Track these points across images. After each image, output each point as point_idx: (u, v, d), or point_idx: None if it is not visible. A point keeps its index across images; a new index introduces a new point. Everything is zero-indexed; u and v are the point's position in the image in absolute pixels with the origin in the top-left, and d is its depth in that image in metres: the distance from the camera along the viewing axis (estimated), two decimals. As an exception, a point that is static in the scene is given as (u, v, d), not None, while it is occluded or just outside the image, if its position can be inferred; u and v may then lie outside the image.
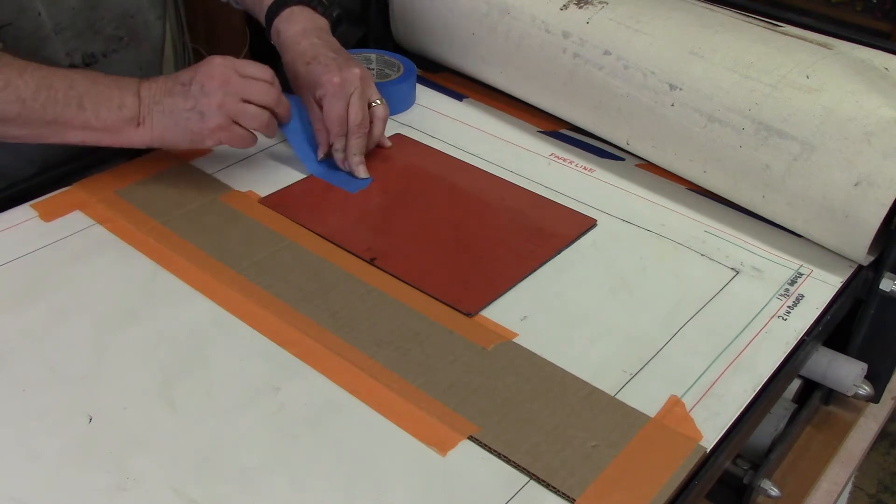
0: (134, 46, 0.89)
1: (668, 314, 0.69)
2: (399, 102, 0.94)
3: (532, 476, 0.55)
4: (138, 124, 0.73)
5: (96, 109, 0.72)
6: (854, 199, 0.70)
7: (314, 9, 0.86)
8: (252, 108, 0.74)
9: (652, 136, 0.83)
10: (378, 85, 0.89)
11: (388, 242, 0.75)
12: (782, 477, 0.73)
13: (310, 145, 0.84)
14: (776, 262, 0.75)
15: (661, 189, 0.84)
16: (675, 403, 0.61)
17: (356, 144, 0.81)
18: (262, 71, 0.76)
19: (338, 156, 0.82)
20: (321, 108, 0.81)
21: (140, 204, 0.76)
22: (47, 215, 0.75)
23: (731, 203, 0.82)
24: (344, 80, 0.80)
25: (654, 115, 0.81)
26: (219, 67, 0.73)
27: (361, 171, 0.82)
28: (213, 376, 0.61)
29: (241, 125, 0.74)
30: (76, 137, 0.73)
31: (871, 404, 0.81)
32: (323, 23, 0.86)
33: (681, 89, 0.79)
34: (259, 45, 1.98)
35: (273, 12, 0.86)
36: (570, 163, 0.88)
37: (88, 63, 0.85)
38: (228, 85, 0.73)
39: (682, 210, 0.82)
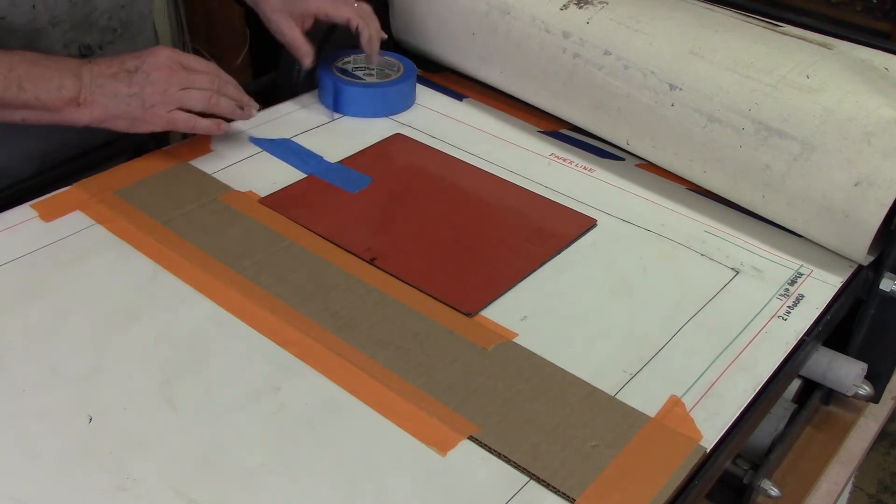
0: (128, 38, 0.89)
1: (668, 314, 0.69)
2: (399, 102, 0.94)
3: (532, 476, 0.55)
4: (79, 104, 0.75)
5: (36, 91, 0.73)
6: (854, 199, 0.70)
7: None
8: (194, 91, 0.77)
9: (652, 136, 0.83)
10: (378, 85, 0.90)
11: (388, 242, 0.75)
12: (782, 477, 0.73)
13: (297, 156, 0.84)
14: (776, 262, 0.75)
15: (661, 189, 0.84)
16: (675, 403, 0.61)
17: (377, 28, 0.91)
18: (206, 65, 0.80)
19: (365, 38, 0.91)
20: (300, 25, 0.89)
21: (140, 204, 0.76)
22: (47, 215, 0.75)
23: (731, 203, 0.82)
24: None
25: (654, 115, 0.81)
26: (165, 59, 0.77)
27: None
28: (213, 376, 0.61)
29: (184, 109, 0.78)
30: (18, 116, 0.75)
31: (871, 404, 0.81)
32: None
33: (681, 89, 0.79)
34: (259, 45, 1.98)
35: None
36: (570, 163, 0.88)
37: (85, 54, 0.85)
38: (173, 76, 0.76)
39: (682, 210, 0.82)
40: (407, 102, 0.96)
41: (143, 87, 0.76)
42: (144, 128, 0.78)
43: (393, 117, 0.93)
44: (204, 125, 0.80)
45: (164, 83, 0.76)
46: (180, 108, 0.78)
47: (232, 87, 0.81)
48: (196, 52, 2.01)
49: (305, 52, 0.90)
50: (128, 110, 0.76)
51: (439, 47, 1.00)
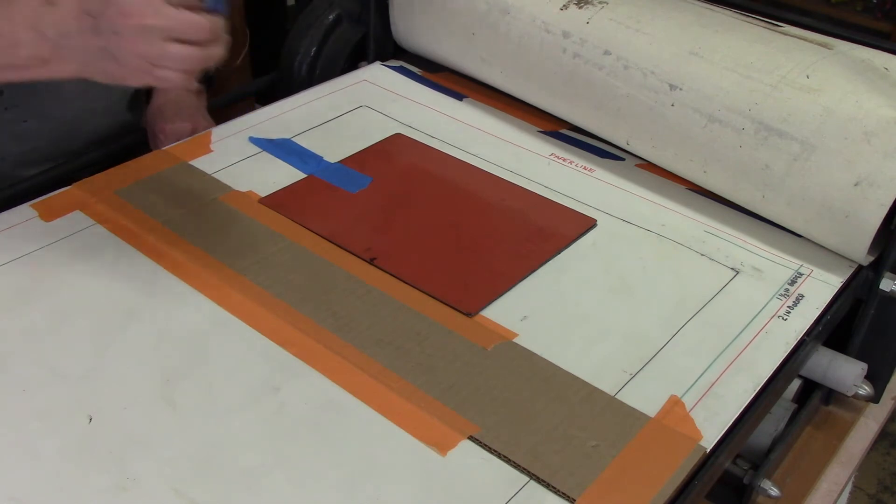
0: None
1: (668, 314, 0.69)
2: None
3: (532, 476, 0.55)
4: (45, 61, 0.62)
5: None
6: (854, 199, 0.70)
7: None
8: (177, 48, 0.60)
9: (652, 136, 0.83)
10: None
11: (388, 242, 0.75)
12: (782, 477, 0.73)
13: (297, 156, 0.84)
14: (776, 262, 0.75)
15: (661, 189, 0.84)
16: (675, 403, 0.61)
17: None
18: None
19: None
20: None
21: (140, 204, 0.76)
22: (47, 215, 0.75)
23: (731, 203, 0.82)
24: None
25: (654, 115, 0.81)
26: None
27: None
28: (213, 376, 0.61)
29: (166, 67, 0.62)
30: None
31: (871, 404, 0.81)
32: None
33: (681, 89, 0.79)
34: (259, 45, 1.98)
35: None
36: (570, 163, 0.88)
37: None
38: (145, 21, 0.59)
39: (682, 210, 0.82)
40: None
41: (110, 39, 0.60)
42: (127, 84, 0.64)
43: (393, 117, 0.93)
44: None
45: (133, 34, 0.59)
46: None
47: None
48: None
49: None
50: (104, 67, 0.61)
51: (439, 47, 1.00)
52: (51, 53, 0.61)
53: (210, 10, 0.61)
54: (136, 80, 0.62)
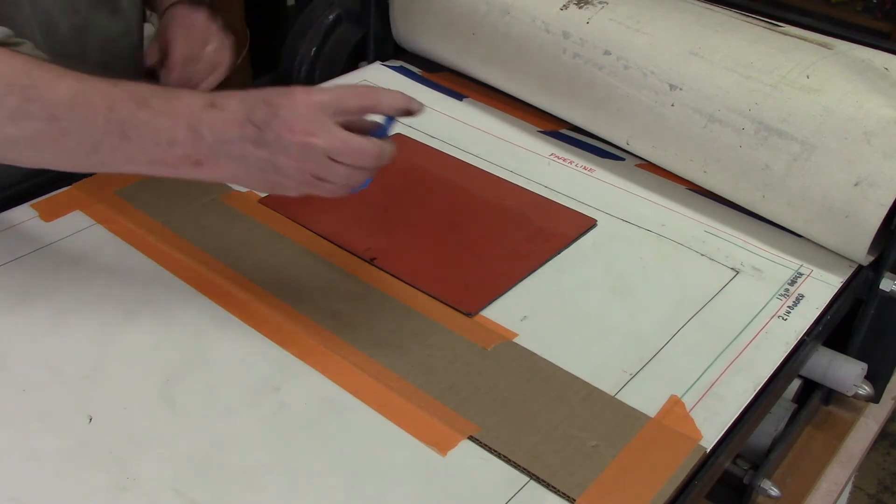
0: (118, 74, 0.87)
1: (668, 314, 0.69)
2: None
3: (532, 476, 0.55)
4: (198, 163, 0.58)
5: (141, 142, 0.57)
6: (854, 199, 0.70)
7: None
8: (342, 168, 0.58)
9: (652, 136, 0.83)
10: None
11: (388, 242, 0.75)
12: (782, 477, 0.73)
13: None
14: (776, 262, 0.75)
15: (661, 189, 0.84)
16: (675, 403, 0.61)
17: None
18: (360, 105, 0.58)
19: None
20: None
21: (140, 204, 0.76)
22: (47, 215, 0.75)
23: (731, 203, 0.82)
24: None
25: (654, 115, 0.81)
26: (302, 114, 0.56)
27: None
28: (213, 376, 0.61)
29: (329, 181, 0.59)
30: (123, 169, 0.60)
31: (871, 404, 0.81)
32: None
33: (681, 89, 0.79)
34: (259, 45, 1.98)
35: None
36: (570, 163, 0.88)
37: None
38: (312, 140, 0.56)
39: (682, 210, 0.82)
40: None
41: (275, 153, 0.57)
42: (288, 193, 0.60)
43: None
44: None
45: (299, 151, 0.56)
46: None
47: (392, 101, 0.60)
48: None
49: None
50: (262, 177, 0.58)
51: (439, 47, 1.00)
52: (205, 156, 0.58)
53: (377, 134, 0.59)
54: (293, 191, 0.60)
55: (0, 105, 0.55)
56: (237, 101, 0.58)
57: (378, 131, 0.60)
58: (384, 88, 0.60)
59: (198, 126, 0.57)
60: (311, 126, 0.56)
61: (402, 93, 0.60)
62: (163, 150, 0.57)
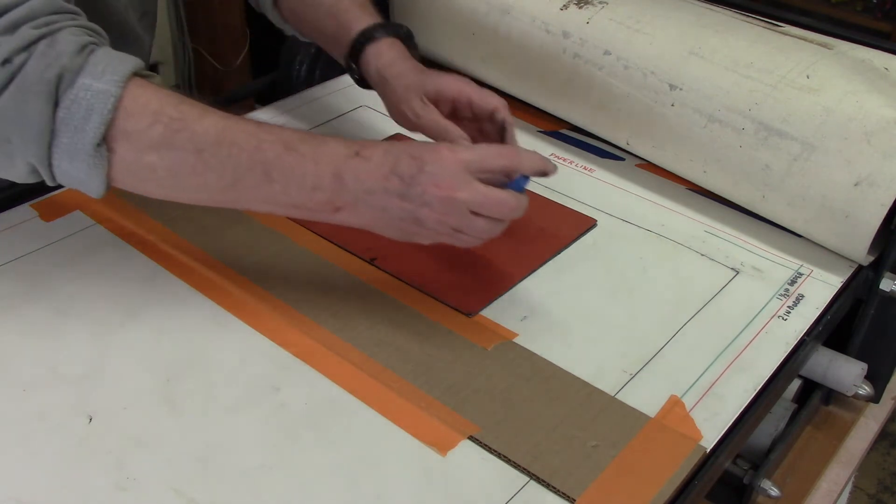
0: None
1: (668, 314, 0.69)
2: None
3: (532, 476, 0.55)
4: (337, 209, 0.61)
5: (286, 184, 0.59)
6: (854, 199, 0.70)
7: (409, 48, 0.79)
8: (481, 221, 0.60)
9: (652, 136, 0.83)
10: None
11: (388, 242, 0.74)
12: (782, 477, 0.73)
13: None
14: (776, 262, 0.75)
15: (661, 189, 0.84)
16: (675, 403, 0.61)
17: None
18: (503, 166, 0.61)
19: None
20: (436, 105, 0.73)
21: (140, 204, 0.76)
22: (47, 215, 0.75)
23: (731, 203, 0.82)
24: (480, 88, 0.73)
25: (654, 115, 0.81)
26: (448, 171, 0.59)
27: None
28: (213, 376, 0.61)
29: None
30: (257, 208, 0.62)
31: (871, 404, 0.81)
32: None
33: (681, 89, 0.79)
34: (259, 45, 1.98)
35: (367, 40, 0.77)
36: (570, 163, 0.88)
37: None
38: (456, 195, 0.58)
39: (682, 210, 0.82)
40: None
41: (418, 207, 0.59)
42: (424, 242, 0.63)
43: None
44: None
45: (442, 208, 0.59)
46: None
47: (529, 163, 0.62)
48: (196, 52, 2.01)
49: (458, 135, 0.70)
50: (400, 226, 0.61)
51: (440, 47, 1.00)
52: (346, 204, 0.60)
53: (514, 188, 0.62)
54: (427, 240, 0.63)
55: (146, 133, 0.57)
56: (381, 152, 0.60)
57: (514, 185, 0.62)
58: (524, 149, 0.63)
59: (343, 174, 0.59)
60: (455, 182, 0.59)
61: (539, 154, 0.63)
62: (306, 194, 0.59)
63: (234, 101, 1.04)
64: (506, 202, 0.60)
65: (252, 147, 0.58)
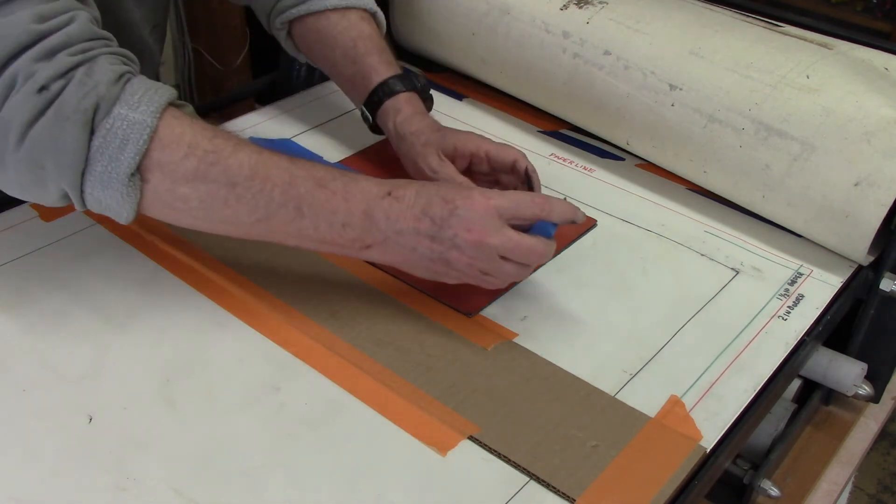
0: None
1: (668, 314, 0.69)
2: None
3: (532, 476, 0.55)
4: (367, 247, 0.62)
5: (316, 220, 0.60)
6: (854, 199, 0.70)
7: (423, 101, 0.81)
8: (509, 266, 0.62)
9: (652, 136, 0.83)
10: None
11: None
12: (782, 477, 0.73)
13: (297, 155, 0.84)
14: (776, 262, 0.75)
15: (661, 189, 0.84)
16: (675, 403, 0.61)
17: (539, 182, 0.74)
18: (534, 214, 0.62)
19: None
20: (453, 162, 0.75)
21: (140, 204, 0.76)
22: (47, 215, 0.75)
23: (731, 203, 0.82)
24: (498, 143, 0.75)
25: (654, 115, 0.81)
26: (479, 215, 0.60)
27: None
28: (213, 376, 0.61)
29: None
30: (285, 242, 0.63)
31: (871, 404, 0.81)
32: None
33: (681, 89, 0.79)
34: (259, 45, 1.98)
35: (385, 94, 0.79)
36: (570, 163, 0.88)
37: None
38: (487, 239, 0.60)
39: (682, 210, 0.82)
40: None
41: (448, 249, 0.61)
42: (450, 282, 0.64)
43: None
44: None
45: (472, 252, 0.61)
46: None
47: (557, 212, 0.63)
48: (196, 52, 2.01)
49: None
50: (429, 266, 0.62)
51: (439, 47, 1.00)
52: (376, 242, 0.62)
53: (542, 234, 0.63)
54: (453, 281, 0.64)
55: (180, 165, 0.57)
56: (413, 193, 0.61)
57: (542, 231, 0.63)
58: (555, 198, 0.64)
59: (373, 213, 0.60)
60: (487, 227, 0.60)
61: (569, 203, 0.65)
62: (336, 231, 0.61)
63: (234, 101, 1.04)
64: (535, 248, 0.62)
65: (284, 182, 0.59)
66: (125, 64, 0.59)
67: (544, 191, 0.83)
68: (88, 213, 0.75)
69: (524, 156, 0.74)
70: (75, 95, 0.55)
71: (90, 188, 0.57)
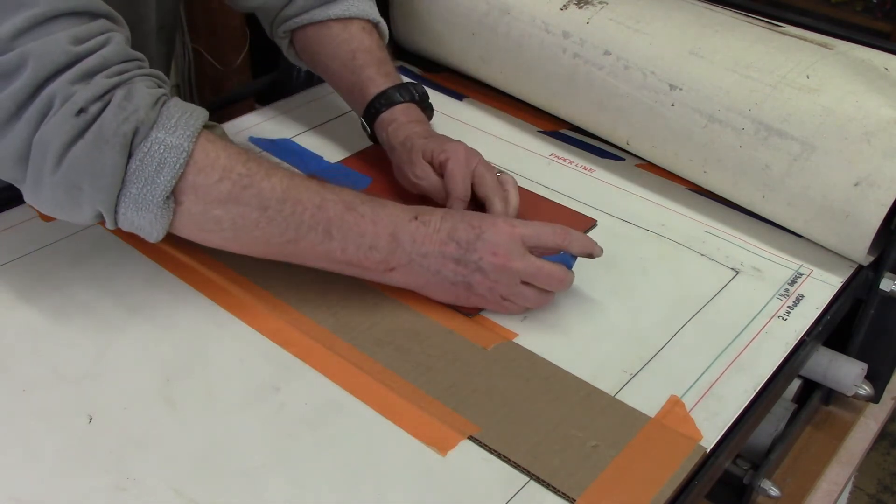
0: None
1: (668, 314, 0.69)
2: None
3: (532, 476, 0.55)
4: (391, 269, 0.64)
5: (344, 242, 0.62)
6: (854, 199, 0.70)
7: (423, 109, 0.82)
8: (530, 291, 0.65)
9: (652, 136, 0.83)
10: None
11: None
12: (782, 477, 0.73)
13: (297, 155, 0.85)
14: (776, 262, 0.75)
15: (661, 189, 0.84)
16: (675, 403, 0.61)
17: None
18: (556, 243, 0.65)
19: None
20: (440, 173, 0.75)
21: (140, 204, 0.76)
22: (47, 215, 0.75)
23: (731, 203, 0.82)
24: (469, 152, 0.75)
25: (654, 115, 0.81)
26: (505, 240, 0.63)
27: None
28: (213, 376, 0.61)
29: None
30: (311, 263, 0.64)
31: (871, 404, 0.81)
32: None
33: (681, 89, 0.79)
34: (259, 45, 1.98)
35: (381, 105, 0.80)
36: (570, 163, 0.88)
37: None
38: (511, 264, 0.63)
39: (682, 210, 0.82)
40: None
41: (471, 272, 0.63)
42: (469, 305, 0.67)
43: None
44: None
45: (496, 275, 0.63)
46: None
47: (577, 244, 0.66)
48: (196, 52, 2.01)
49: (459, 195, 0.72)
50: (451, 289, 0.65)
51: (439, 47, 1.00)
52: (400, 265, 0.64)
53: (560, 261, 0.66)
54: (475, 304, 0.66)
55: (214, 188, 0.59)
56: (439, 218, 0.64)
57: (563, 260, 0.66)
58: (575, 231, 0.66)
59: (399, 235, 0.63)
60: (511, 252, 0.63)
61: (589, 237, 0.67)
62: (363, 253, 0.63)
63: (234, 101, 1.04)
64: (557, 274, 0.64)
65: (315, 205, 0.61)
66: (160, 86, 0.59)
67: (545, 191, 0.83)
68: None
69: (513, 183, 0.74)
70: (115, 119, 0.56)
71: (124, 209, 0.58)
